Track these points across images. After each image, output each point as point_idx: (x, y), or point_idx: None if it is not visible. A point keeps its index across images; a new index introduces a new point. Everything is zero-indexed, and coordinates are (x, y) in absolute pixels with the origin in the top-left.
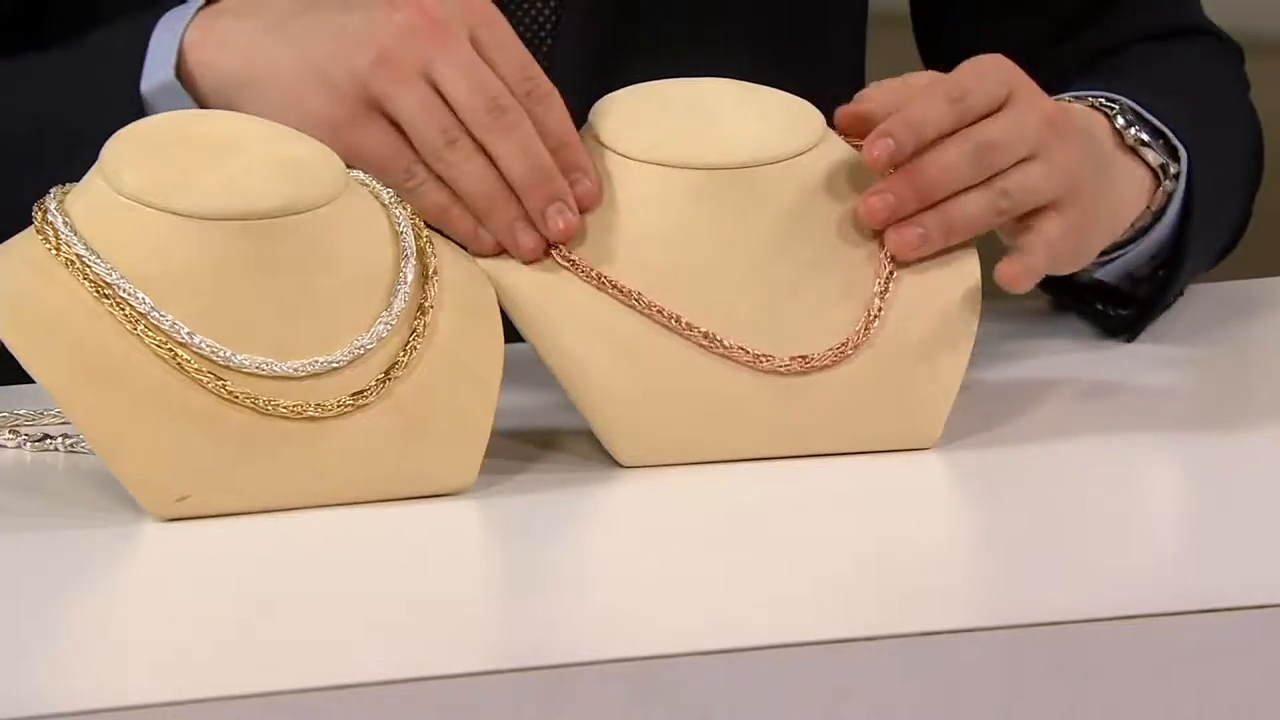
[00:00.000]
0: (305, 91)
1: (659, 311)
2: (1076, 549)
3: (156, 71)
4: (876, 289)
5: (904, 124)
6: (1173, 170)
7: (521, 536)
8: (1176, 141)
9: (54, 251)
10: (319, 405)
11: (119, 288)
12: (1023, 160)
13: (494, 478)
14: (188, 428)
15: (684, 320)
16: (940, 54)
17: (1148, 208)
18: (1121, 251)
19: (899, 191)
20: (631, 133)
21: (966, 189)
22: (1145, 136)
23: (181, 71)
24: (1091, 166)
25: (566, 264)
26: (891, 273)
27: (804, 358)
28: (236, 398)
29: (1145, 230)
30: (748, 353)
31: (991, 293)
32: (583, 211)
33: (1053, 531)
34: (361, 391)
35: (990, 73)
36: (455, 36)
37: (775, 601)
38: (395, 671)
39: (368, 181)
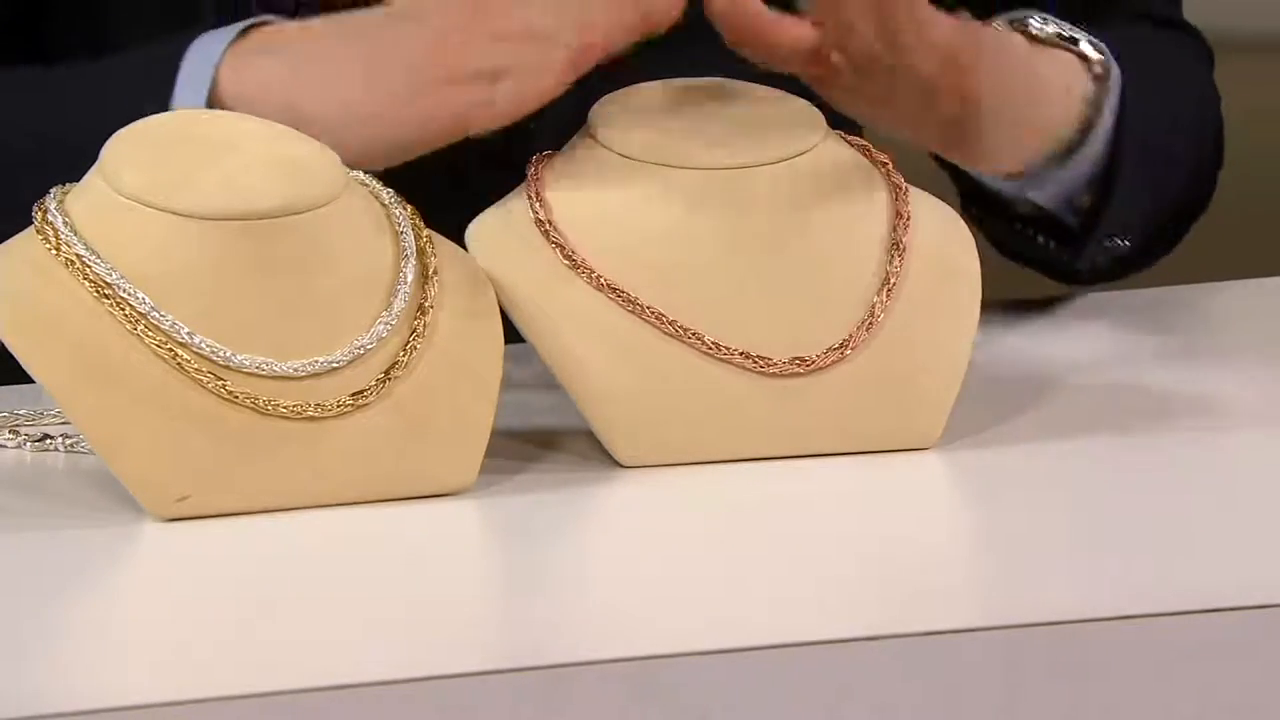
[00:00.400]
0: (392, 108)
1: (657, 317)
2: (1076, 549)
3: (186, 101)
4: (876, 289)
5: None
6: (1095, 63)
7: (521, 536)
8: (1099, 54)
9: (54, 251)
10: (319, 405)
11: (119, 288)
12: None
13: (494, 478)
14: (188, 428)
15: (681, 325)
16: None
17: (1083, 100)
18: (1056, 170)
19: None
20: (631, 133)
21: None
22: (1063, 33)
23: (215, 104)
24: (996, 62)
25: (567, 263)
26: (891, 272)
27: (803, 359)
28: (236, 398)
29: (1077, 146)
30: (747, 356)
31: (992, 293)
32: None
33: (1053, 531)
34: (361, 391)
35: None
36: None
37: (775, 601)
38: (395, 671)
39: (368, 181)
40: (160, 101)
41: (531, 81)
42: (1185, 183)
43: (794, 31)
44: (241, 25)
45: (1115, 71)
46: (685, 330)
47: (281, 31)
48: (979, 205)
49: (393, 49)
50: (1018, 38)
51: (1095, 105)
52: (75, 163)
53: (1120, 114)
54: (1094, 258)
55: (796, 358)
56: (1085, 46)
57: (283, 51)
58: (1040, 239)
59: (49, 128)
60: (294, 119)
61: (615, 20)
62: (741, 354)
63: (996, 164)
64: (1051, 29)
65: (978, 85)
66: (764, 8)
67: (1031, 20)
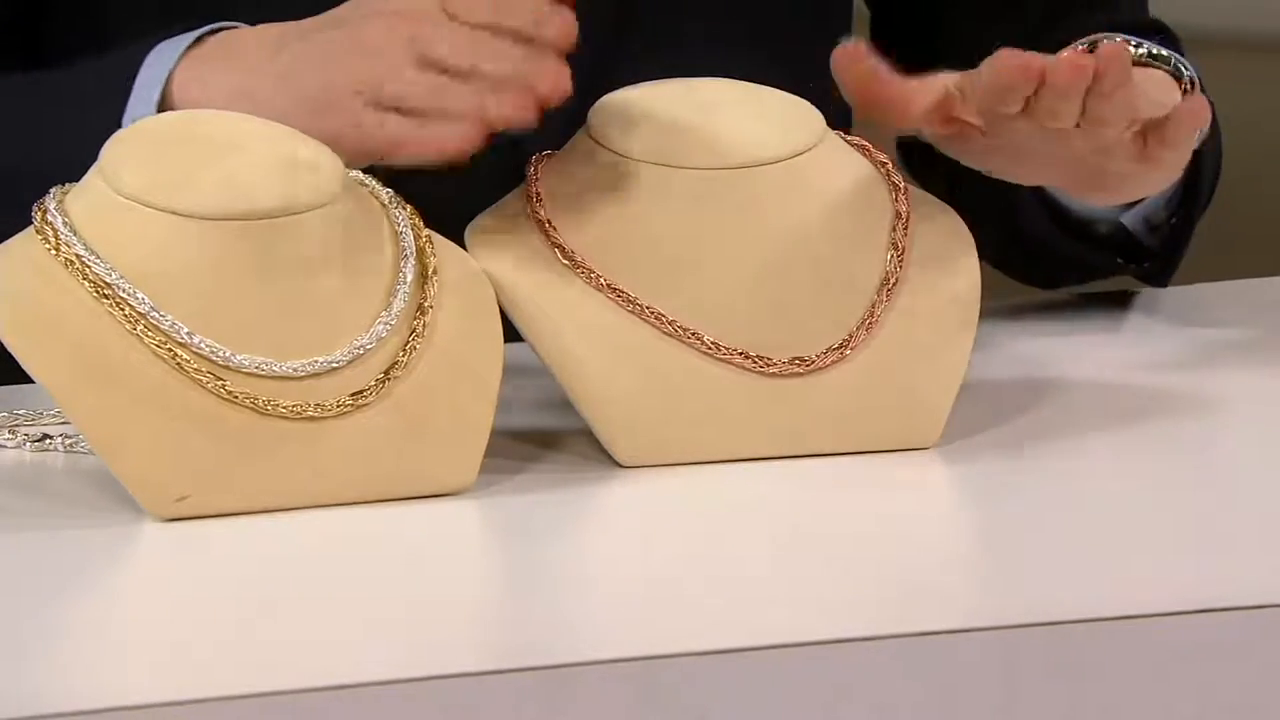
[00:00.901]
0: (300, 118)
1: (656, 317)
2: (1076, 549)
3: (138, 109)
4: (876, 289)
5: None
6: (1187, 79)
7: (521, 536)
8: (1188, 69)
9: (54, 251)
10: (319, 405)
11: (119, 288)
12: None
13: (494, 478)
14: (188, 428)
15: (680, 325)
16: (933, 56)
17: None
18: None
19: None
20: (631, 133)
21: None
22: (1153, 52)
23: (165, 110)
24: None
25: (567, 263)
26: (891, 272)
27: (803, 359)
28: (236, 398)
29: None
30: (747, 356)
31: (992, 293)
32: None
33: (1053, 531)
34: (361, 391)
35: None
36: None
37: (775, 601)
38: (395, 671)
39: (368, 182)
40: (112, 113)
41: (438, 129)
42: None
43: (920, 97)
44: (198, 32)
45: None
46: (684, 330)
47: (236, 37)
48: (1032, 234)
49: (311, 56)
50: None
51: None
52: (13, 179)
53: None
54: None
55: (796, 358)
56: (1176, 64)
57: (234, 59)
58: (1119, 261)
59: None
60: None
61: (515, 93)
62: (741, 354)
63: (1135, 196)
64: (1142, 50)
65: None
66: (889, 72)
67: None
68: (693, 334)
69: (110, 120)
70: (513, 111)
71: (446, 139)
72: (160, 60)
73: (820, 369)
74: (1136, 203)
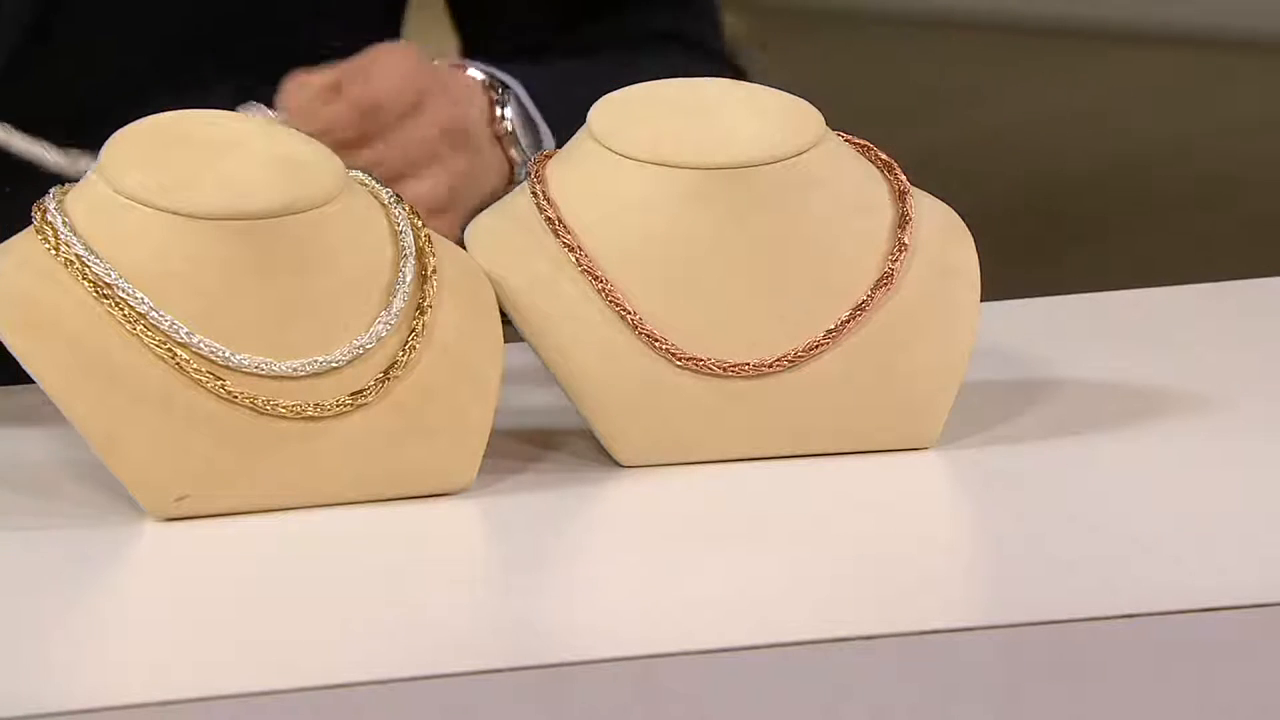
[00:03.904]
0: None
1: (648, 336)
2: (1076, 549)
3: None
4: (875, 289)
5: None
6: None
7: (521, 537)
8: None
9: (53, 251)
10: (318, 405)
11: (118, 288)
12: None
13: (494, 478)
14: (188, 428)
15: (670, 345)
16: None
17: None
18: None
19: None
20: (630, 132)
21: None
22: (516, 131)
23: None
24: (472, 171)
25: (567, 263)
26: (891, 272)
27: (803, 358)
28: (236, 398)
29: None
30: (747, 366)
31: (992, 293)
32: None
33: (1053, 531)
34: (360, 391)
35: (400, 79)
36: None
37: (774, 601)
38: (394, 671)
39: (367, 182)
40: None
41: None
42: None
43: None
44: None
45: None
46: (675, 358)
47: None
48: None
49: None
50: (485, 107)
51: None
52: None
53: None
54: None
55: (796, 357)
56: (519, 153)
57: None
58: None
59: None
60: None
61: None
62: (739, 368)
63: None
64: (507, 125)
65: None
66: None
67: (500, 109)
68: (685, 363)
69: None
70: None
71: None
72: None
73: (820, 369)
74: None
